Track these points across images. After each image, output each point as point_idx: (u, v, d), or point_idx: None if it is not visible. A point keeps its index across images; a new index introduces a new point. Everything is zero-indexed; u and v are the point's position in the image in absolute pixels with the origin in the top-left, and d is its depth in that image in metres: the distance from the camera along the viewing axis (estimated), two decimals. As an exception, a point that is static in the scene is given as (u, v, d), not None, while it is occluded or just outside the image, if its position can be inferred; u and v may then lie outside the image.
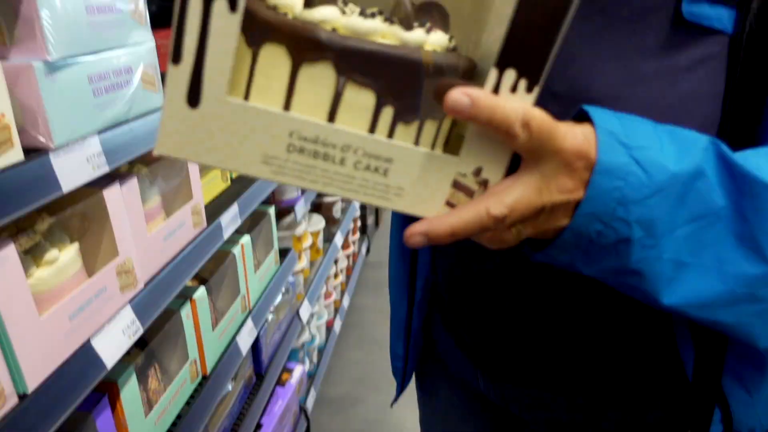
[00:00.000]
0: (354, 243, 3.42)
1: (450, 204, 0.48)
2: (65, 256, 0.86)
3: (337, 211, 2.93)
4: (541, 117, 0.44)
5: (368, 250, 3.89)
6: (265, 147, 0.44)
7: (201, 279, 1.41)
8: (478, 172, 0.47)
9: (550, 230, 0.48)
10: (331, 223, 2.90)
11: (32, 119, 0.77)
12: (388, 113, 0.45)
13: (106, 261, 0.94)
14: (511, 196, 0.45)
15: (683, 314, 0.50)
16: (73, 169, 0.81)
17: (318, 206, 2.84)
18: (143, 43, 1.00)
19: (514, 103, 0.43)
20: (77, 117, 0.83)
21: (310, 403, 2.31)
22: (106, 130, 0.90)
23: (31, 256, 0.81)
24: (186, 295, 1.27)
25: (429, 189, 0.47)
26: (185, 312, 1.24)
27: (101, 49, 0.88)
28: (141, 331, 0.99)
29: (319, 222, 2.60)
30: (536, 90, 0.45)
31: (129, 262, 0.98)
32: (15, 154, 0.72)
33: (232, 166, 0.45)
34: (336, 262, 2.94)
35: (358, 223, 3.65)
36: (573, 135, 0.45)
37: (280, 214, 2.10)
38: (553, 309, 0.68)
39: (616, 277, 0.50)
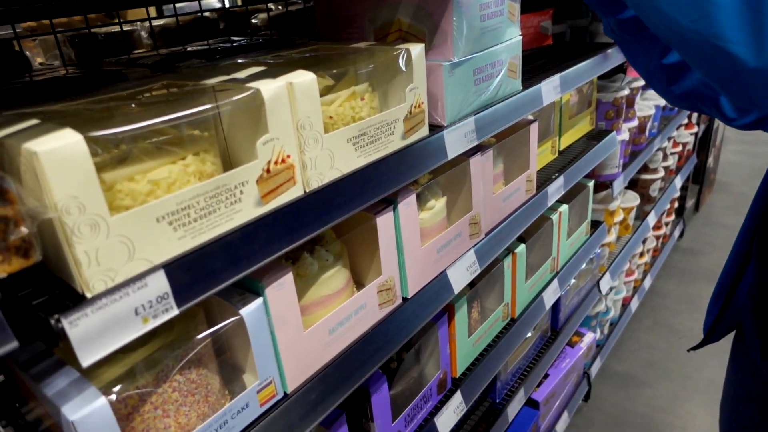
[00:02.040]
0: (667, 225, 3.26)
1: None
2: (438, 206, 1.15)
3: (654, 190, 2.84)
4: None
5: (681, 235, 3.63)
6: None
7: (521, 237, 1.63)
8: None
9: None
10: (646, 201, 2.82)
11: (434, 104, 1.05)
12: None
13: (462, 213, 1.22)
14: None
15: None
16: (455, 142, 1.08)
17: (635, 182, 2.80)
18: (513, 38, 1.21)
19: None
20: (462, 102, 1.09)
21: (594, 370, 2.41)
22: (479, 111, 1.14)
23: (418, 203, 1.12)
24: (509, 249, 1.51)
25: None
26: (507, 262, 1.48)
27: (486, 47, 1.12)
28: (479, 271, 1.26)
29: (633, 199, 2.58)
30: None
31: (478, 216, 1.24)
32: (423, 131, 1.01)
33: None
34: (644, 241, 2.87)
35: (675, 205, 3.43)
36: None
37: (597, 188, 2.18)
38: None
39: None
